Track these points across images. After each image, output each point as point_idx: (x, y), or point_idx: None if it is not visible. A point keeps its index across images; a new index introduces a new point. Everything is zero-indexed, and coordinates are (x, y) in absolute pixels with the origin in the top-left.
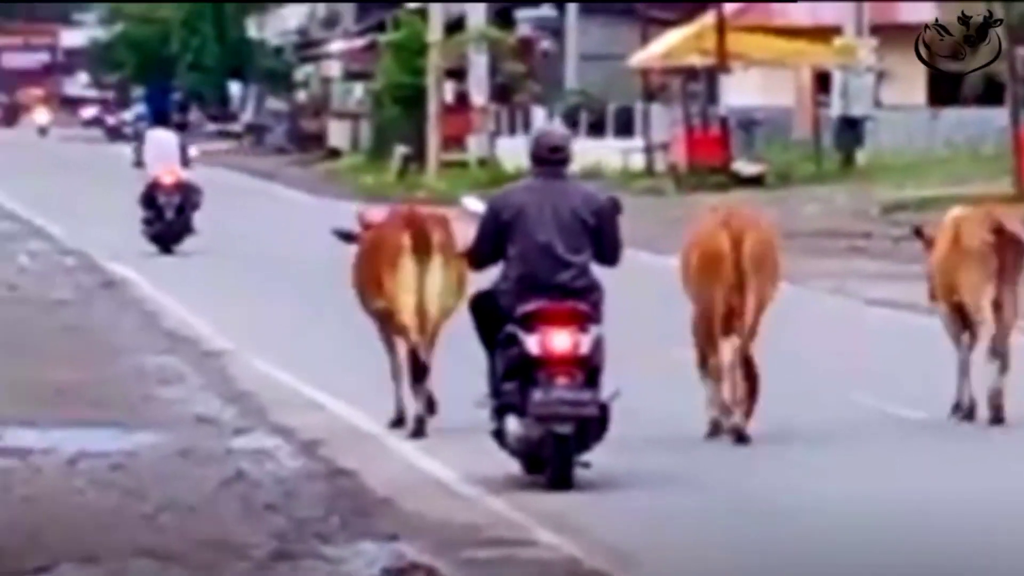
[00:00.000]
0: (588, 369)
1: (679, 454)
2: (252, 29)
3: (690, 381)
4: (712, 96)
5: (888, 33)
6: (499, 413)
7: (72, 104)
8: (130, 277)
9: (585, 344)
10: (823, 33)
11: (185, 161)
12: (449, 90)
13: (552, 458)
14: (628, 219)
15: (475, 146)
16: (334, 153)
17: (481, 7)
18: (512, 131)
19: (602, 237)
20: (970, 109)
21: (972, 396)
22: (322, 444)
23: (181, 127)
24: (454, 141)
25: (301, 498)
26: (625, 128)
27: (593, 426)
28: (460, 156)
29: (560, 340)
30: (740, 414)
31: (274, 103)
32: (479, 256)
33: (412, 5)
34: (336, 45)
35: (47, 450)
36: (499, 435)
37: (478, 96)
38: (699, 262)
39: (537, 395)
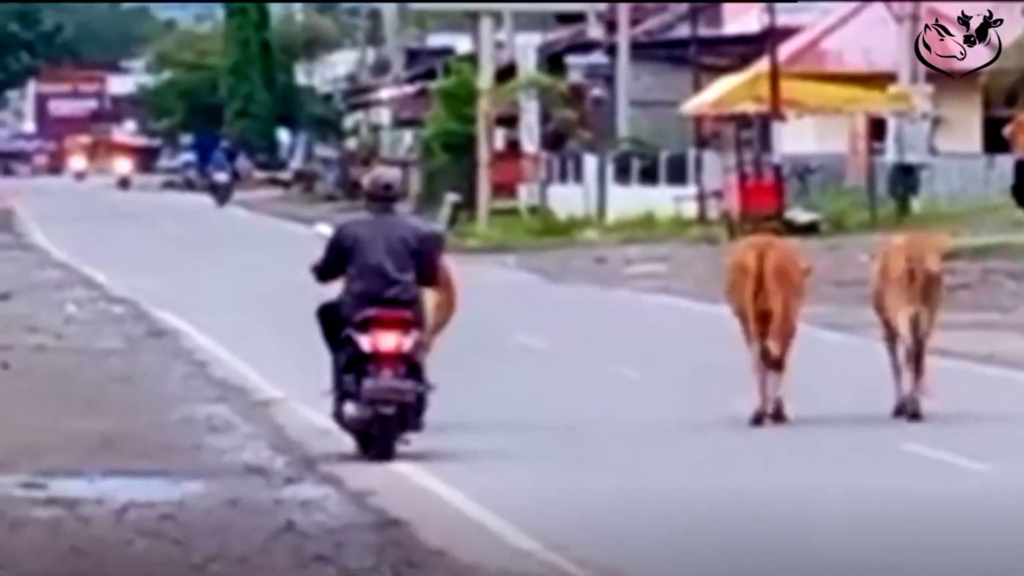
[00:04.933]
0: (409, 364)
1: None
2: (301, 76)
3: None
4: (765, 143)
5: (943, 80)
6: (340, 400)
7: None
8: (180, 327)
9: (407, 344)
10: (877, 80)
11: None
12: (500, 137)
13: (378, 435)
14: (680, 268)
15: (526, 194)
16: None
17: (532, 54)
18: (563, 179)
19: (422, 261)
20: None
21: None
22: (372, 494)
23: (231, 176)
24: (505, 189)
25: (351, 549)
26: (678, 176)
27: (411, 410)
28: (511, 204)
29: (387, 340)
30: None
31: (323, 150)
32: (324, 273)
33: (462, 51)
34: (386, 92)
35: (95, 500)
36: (339, 417)
37: (529, 143)
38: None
39: (368, 383)
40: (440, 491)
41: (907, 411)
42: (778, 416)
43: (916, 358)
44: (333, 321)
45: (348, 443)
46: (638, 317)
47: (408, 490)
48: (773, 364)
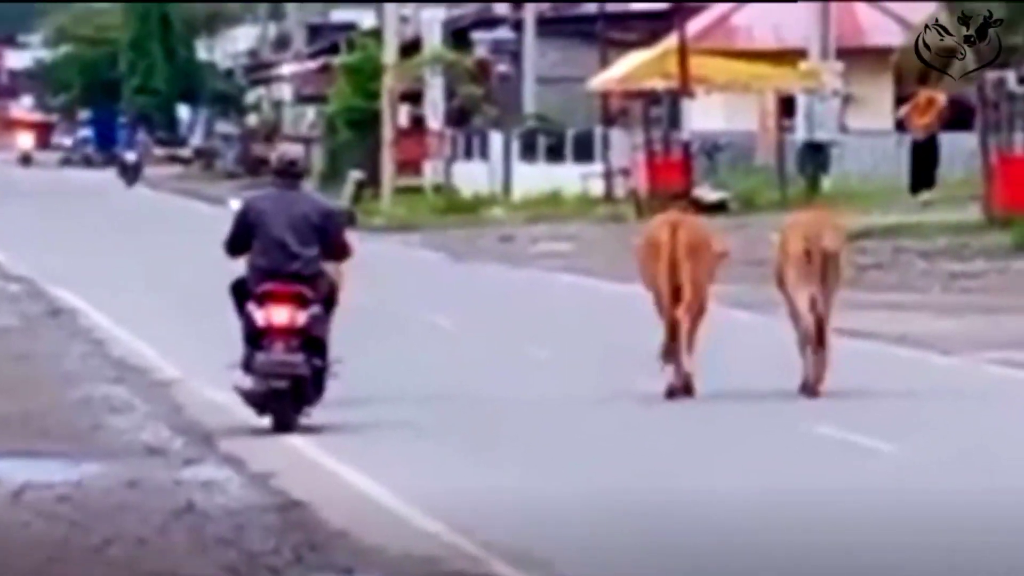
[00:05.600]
0: (306, 338)
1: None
2: (202, 51)
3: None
4: (674, 121)
5: (854, 56)
6: (243, 372)
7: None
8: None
9: (301, 318)
10: (788, 56)
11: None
12: (404, 114)
13: (274, 408)
14: (587, 246)
15: (431, 171)
16: None
17: (437, 29)
18: (469, 156)
19: (328, 237)
20: (938, 134)
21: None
22: (274, 475)
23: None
24: (410, 166)
25: (253, 531)
26: (585, 153)
27: (307, 384)
28: (416, 181)
29: (279, 314)
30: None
31: (224, 127)
32: (233, 247)
33: (366, 27)
34: (288, 67)
35: None
36: (239, 389)
37: (434, 120)
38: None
39: (260, 357)
40: (343, 472)
41: (808, 390)
42: (687, 390)
43: (817, 337)
44: (243, 295)
45: (250, 421)
46: (545, 296)
47: (311, 470)
48: (678, 335)
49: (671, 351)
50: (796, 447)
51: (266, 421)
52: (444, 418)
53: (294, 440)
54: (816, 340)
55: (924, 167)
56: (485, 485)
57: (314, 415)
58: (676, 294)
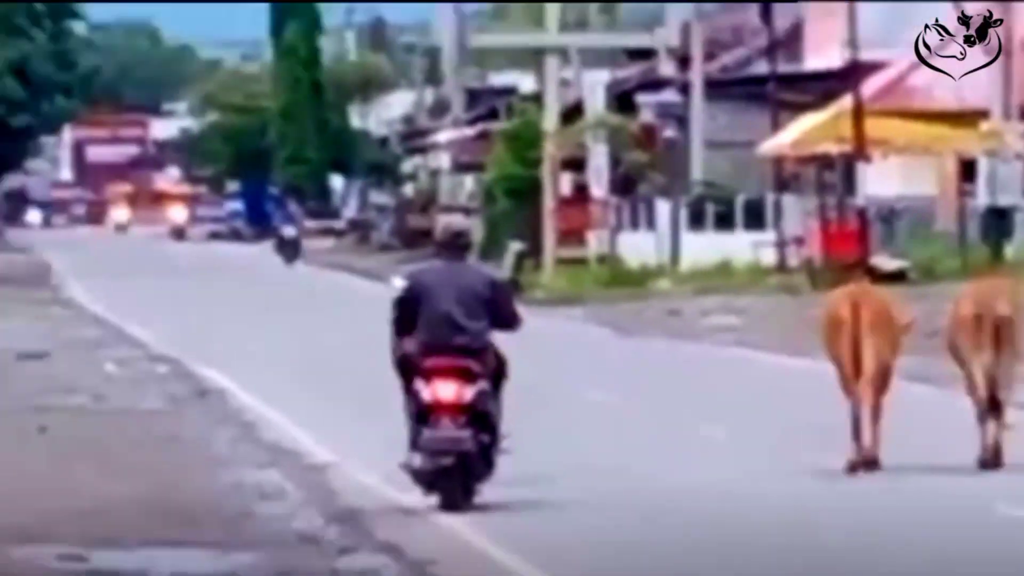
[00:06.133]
0: (473, 414)
1: None
2: (355, 118)
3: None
4: (849, 186)
5: None
6: (411, 451)
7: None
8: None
9: (468, 394)
10: (968, 117)
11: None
12: (566, 182)
13: (442, 486)
14: (759, 319)
15: (595, 242)
16: None
17: (600, 92)
18: (634, 225)
19: (497, 308)
20: None
21: None
22: (434, 563)
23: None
24: (572, 236)
25: None
26: (755, 221)
27: (474, 460)
28: (579, 252)
29: (446, 389)
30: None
31: (379, 197)
32: (400, 324)
33: (526, 91)
34: (445, 135)
35: (138, 572)
36: (407, 467)
37: (597, 188)
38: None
39: (427, 433)
40: (505, 559)
41: (987, 462)
42: (871, 465)
43: (992, 407)
44: (409, 372)
45: (406, 503)
46: (716, 372)
47: (471, 557)
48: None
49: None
50: (981, 527)
51: (431, 501)
52: (616, 498)
53: (456, 522)
54: (989, 410)
55: None
56: (664, 569)
57: (484, 493)
58: (858, 370)
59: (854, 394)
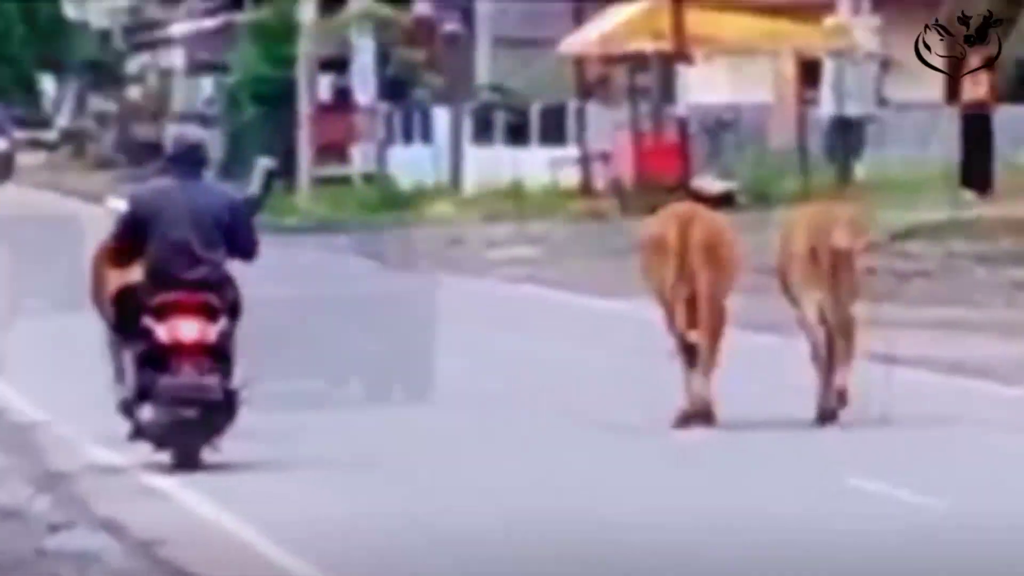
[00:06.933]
0: (216, 357)
1: None
2: (69, 7)
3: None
4: (667, 92)
5: (894, 9)
6: (134, 402)
7: None
8: None
9: (213, 333)
10: (811, 10)
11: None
12: (325, 85)
13: (178, 442)
14: (559, 251)
15: (360, 158)
16: None
17: None
18: (408, 138)
19: (236, 234)
20: (1003, 106)
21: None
22: (162, 543)
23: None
24: (333, 151)
25: None
26: (554, 134)
27: (219, 411)
28: (340, 171)
29: (187, 329)
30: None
31: (98, 103)
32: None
33: None
34: (179, 28)
35: None
36: (133, 422)
37: (363, 94)
38: None
39: (165, 380)
40: (247, 536)
41: (826, 414)
42: (707, 418)
43: (828, 353)
44: (131, 308)
45: (132, 468)
46: (501, 314)
47: (208, 535)
48: (695, 358)
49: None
50: (825, 500)
51: (161, 461)
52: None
53: (188, 491)
54: (827, 357)
55: (977, 150)
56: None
57: (224, 449)
58: (689, 305)
59: (683, 339)
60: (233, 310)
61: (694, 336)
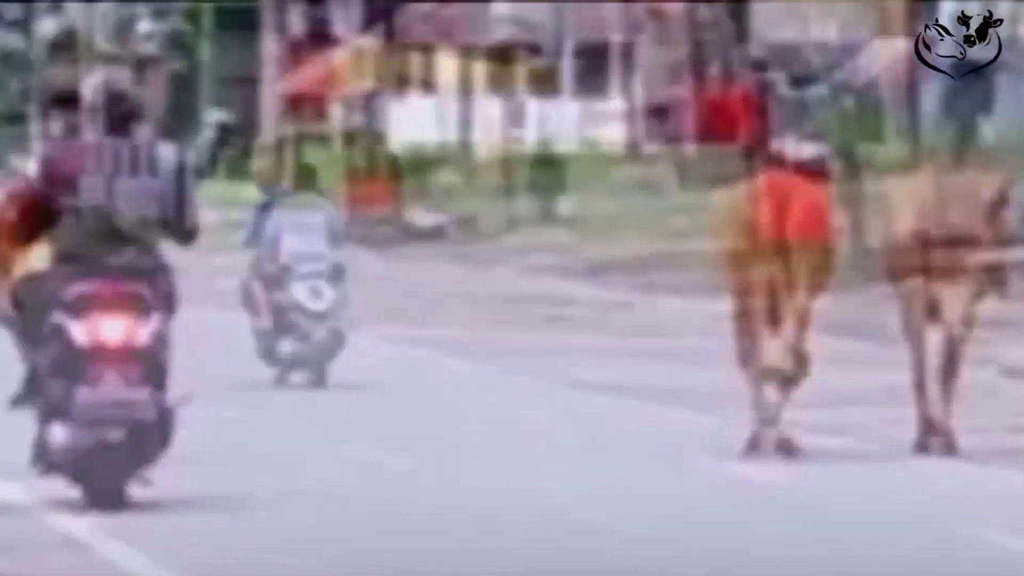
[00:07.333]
0: (147, 365)
1: None
2: None
3: None
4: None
5: None
6: (43, 419)
7: None
8: None
9: (143, 334)
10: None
11: None
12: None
13: (98, 471)
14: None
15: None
16: None
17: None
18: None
19: (175, 209)
20: None
21: None
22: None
23: None
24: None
25: None
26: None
27: (152, 433)
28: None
29: (111, 329)
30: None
31: (2, 37)
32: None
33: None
34: None
35: None
36: (40, 445)
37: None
38: None
39: (82, 394)
40: (101, 547)
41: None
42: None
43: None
44: (35, 302)
45: (34, 507)
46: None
47: (54, 543)
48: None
49: None
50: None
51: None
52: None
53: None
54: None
55: None
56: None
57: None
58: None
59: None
60: (168, 305)
61: (776, 352)
